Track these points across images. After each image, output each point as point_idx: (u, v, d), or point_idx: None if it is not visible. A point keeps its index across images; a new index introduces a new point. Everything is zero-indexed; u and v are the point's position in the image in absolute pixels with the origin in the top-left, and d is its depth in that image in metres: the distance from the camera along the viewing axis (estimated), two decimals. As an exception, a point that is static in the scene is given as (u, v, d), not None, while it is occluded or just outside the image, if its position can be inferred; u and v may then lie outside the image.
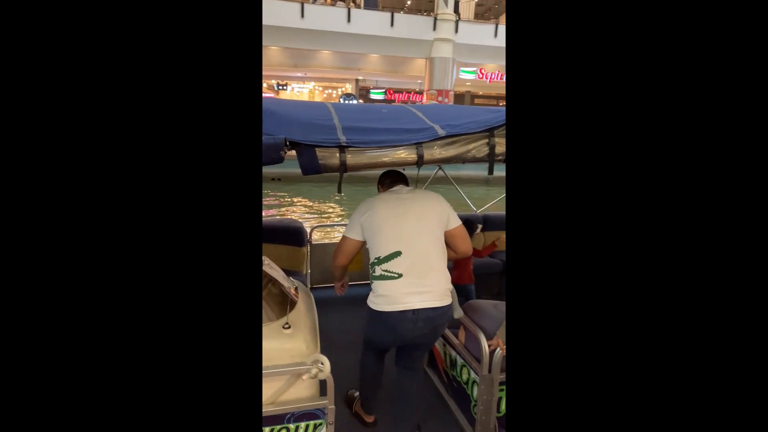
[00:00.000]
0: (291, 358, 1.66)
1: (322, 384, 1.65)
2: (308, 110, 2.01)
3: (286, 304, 1.84)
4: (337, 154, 1.58)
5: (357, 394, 2.09)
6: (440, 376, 2.34)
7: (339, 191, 1.73)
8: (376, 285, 1.66)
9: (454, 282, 2.45)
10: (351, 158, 1.60)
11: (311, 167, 1.57)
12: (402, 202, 1.72)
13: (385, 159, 1.66)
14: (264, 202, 9.72)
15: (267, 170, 11.35)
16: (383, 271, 1.62)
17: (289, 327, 1.71)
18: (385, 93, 19.51)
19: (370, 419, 2.01)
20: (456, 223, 1.74)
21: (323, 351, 1.72)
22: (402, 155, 1.67)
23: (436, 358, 2.37)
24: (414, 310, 1.59)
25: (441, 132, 1.69)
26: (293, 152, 1.57)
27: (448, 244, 1.75)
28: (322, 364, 1.60)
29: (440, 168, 3.34)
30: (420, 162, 1.68)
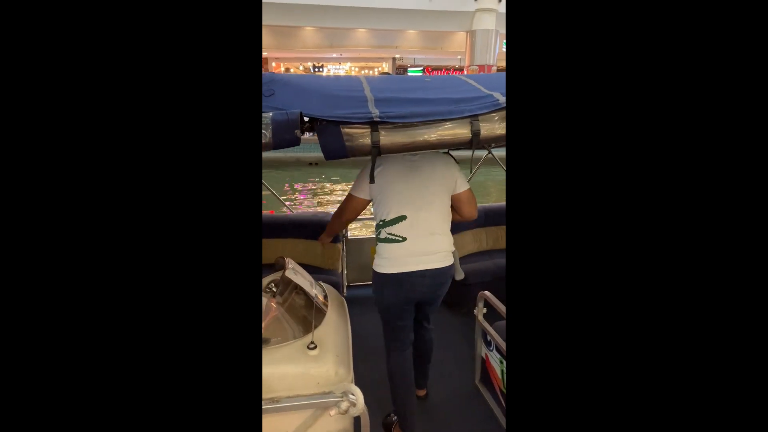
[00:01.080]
0: (317, 386, 1.36)
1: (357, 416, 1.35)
2: (334, 82, 1.65)
3: (313, 317, 1.54)
4: (368, 133, 1.22)
5: (395, 418, 1.86)
6: (495, 396, 1.99)
7: (371, 181, 1.37)
8: (381, 248, 1.64)
9: None
10: (386, 137, 1.24)
11: (335, 150, 1.23)
12: (410, 164, 1.63)
13: (430, 137, 1.28)
14: (300, 189, 9.56)
15: (302, 154, 11.23)
16: (388, 234, 1.61)
17: (315, 347, 1.40)
18: (423, 71, 18.80)
19: None
20: (464, 187, 1.70)
21: (357, 360, 1.56)
22: (452, 132, 1.29)
23: (491, 374, 2.01)
24: (417, 272, 1.61)
25: (503, 100, 1.30)
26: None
27: (453, 207, 1.72)
28: (353, 395, 1.29)
29: (489, 152, 2.90)
30: (476, 141, 1.30)
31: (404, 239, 1.60)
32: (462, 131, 1.29)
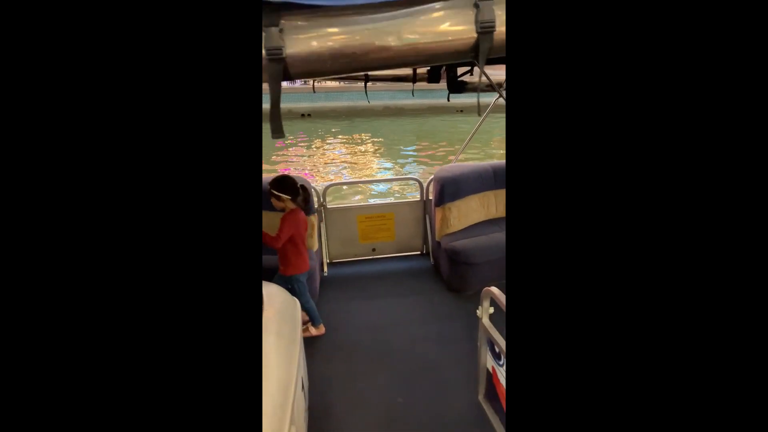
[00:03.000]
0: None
1: None
2: None
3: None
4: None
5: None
6: (503, 418, 1.48)
7: (279, 133, 0.74)
8: None
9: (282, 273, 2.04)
10: (296, 41, 0.60)
11: None
12: None
13: (390, 39, 0.64)
14: (291, 144, 8.86)
15: (294, 105, 10.41)
16: None
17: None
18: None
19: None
20: None
21: (324, 360, 1.52)
22: (440, 30, 0.64)
23: (498, 390, 1.49)
24: None
25: None
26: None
27: None
28: None
29: (501, 95, 2.22)
30: (484, 49, 0.66)
31: None
32: (460, 28, 0.64)
